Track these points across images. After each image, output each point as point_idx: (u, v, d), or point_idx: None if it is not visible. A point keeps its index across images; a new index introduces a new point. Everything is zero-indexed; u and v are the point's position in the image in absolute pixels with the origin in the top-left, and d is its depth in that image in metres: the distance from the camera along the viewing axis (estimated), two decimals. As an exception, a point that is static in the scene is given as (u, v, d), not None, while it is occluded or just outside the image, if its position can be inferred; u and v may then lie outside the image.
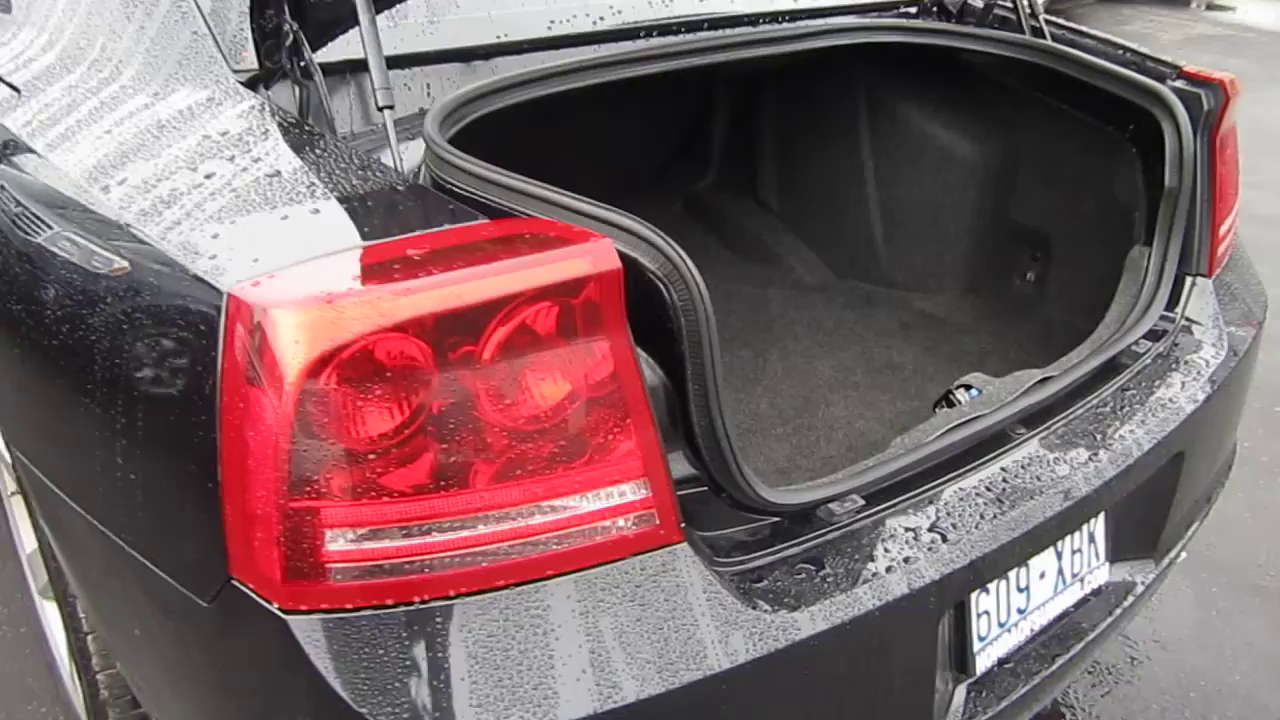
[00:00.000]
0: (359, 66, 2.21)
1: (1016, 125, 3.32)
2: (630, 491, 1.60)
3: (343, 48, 2.13)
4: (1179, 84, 2.72)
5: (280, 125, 1.89)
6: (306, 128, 1.93)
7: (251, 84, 2.01)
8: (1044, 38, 2.93)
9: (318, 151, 1.82)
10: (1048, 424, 2.22)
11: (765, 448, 2.79)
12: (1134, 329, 2.49)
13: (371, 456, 1.44)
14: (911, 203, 3.49)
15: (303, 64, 1.99)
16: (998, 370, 3.17)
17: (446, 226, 1.60)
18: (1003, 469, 2.09)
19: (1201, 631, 3.32)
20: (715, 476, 1.76)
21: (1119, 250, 2.77)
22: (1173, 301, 2.62)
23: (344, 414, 1.42)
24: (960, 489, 2.03)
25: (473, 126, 2.07)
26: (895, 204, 3.52)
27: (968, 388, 2.38)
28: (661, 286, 1.64)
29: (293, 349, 1.39)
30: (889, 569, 1.81)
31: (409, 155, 1.92)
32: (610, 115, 3.81)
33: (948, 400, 2.38)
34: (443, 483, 1.50)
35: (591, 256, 1.49)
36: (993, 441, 2.15)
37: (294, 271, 1.50)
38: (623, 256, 1.61)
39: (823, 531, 1.86)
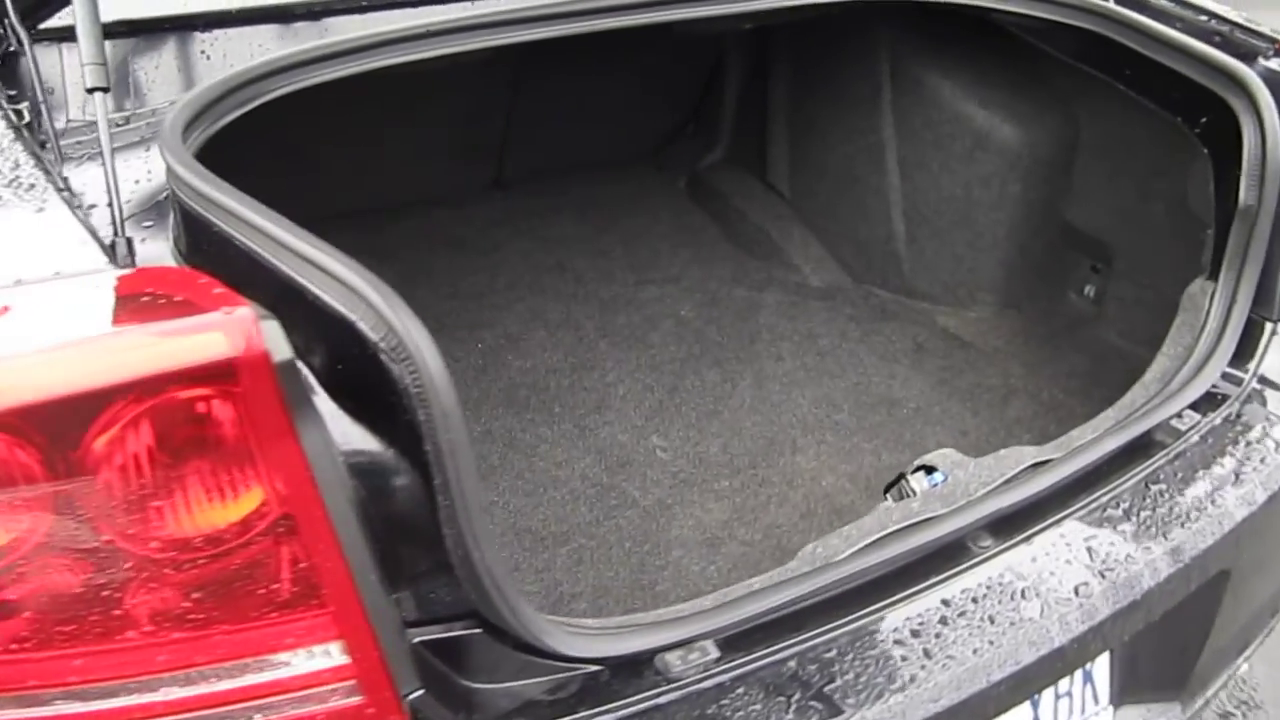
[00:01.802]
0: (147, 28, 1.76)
1: (1073, 106, 2.64)
2: (318, 657, 1.12)
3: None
4: (1275, 63, 2.03)
5: None
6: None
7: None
8: (1102, -4, 2.26)
9: None
10: (1028, 532, 1.63)
11: (697, 507, 2.26)
12: (1179, 395, 1.86)
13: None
14: (940, 196, 2.85)
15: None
16: (1021, 416, 2.57)
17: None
18: (943, 602, 1.53)
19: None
20: (484, 614, 1.26)
21: (1195, 271, 2.13)
22: (1241, 356, 1.97)
23: None
24: (880, 630, 1.48)
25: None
26: (920, 196, 2.89)
27: (929, 470, 1.80)
28: (387, 363, 1.14)
29: None
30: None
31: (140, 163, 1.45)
32: (595, 77, 3.28)
33: (900, 488, 1.81)
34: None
35: (225, 333, 1.00)
36: (944, 556, 1.59)
37: None
38: (337, 319, 1.13)
39: (654, 693, 1.34)
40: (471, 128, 3.23)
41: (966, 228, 2.84)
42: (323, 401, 1.19)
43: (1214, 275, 2.03)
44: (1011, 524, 1.64)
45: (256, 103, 1.55)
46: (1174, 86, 2.10)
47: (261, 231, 1.22)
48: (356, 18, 2.02)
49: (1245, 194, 1.92)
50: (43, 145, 1.49)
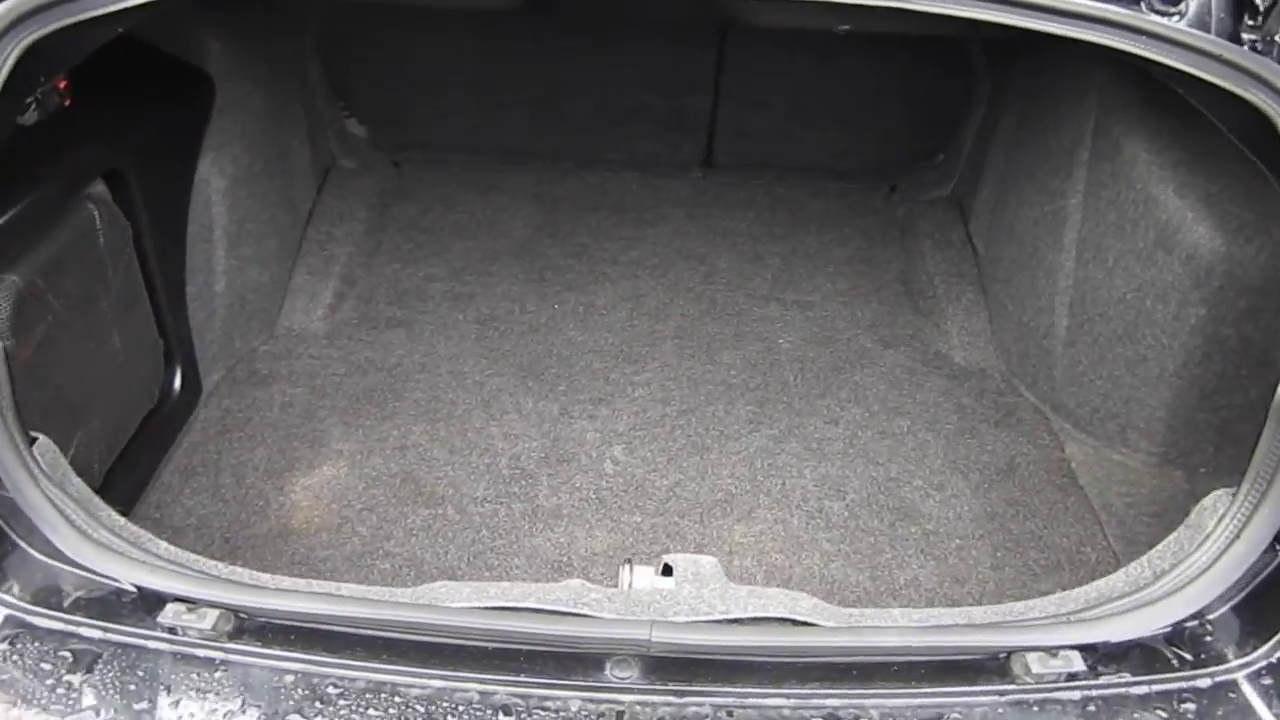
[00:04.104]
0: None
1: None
2: None
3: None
4: None
5: None
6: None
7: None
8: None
9: None
10: (691, 689, 1.27)
11: (585, 530, 2.04)
12: (1086, 625, 1.32)
13: None
14: (1110, 296, 2.21)
15: None
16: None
17: None
18: (503, 709, 1.25)
19: None
20: None
21: None
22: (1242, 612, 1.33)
23: None
24: (396, 692, 1.26)
25: None
26: (1090, 291, 2.26)
27: (668, 570, 1.45)
28: None
29: None
30: None
31: None
32: (819, 75, 2.99)
33: (627, 571, 1.48)
34: None
35: None
36: (565, 663, 1.30)
37: None
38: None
39: (141, 630, 1.29)
40: (674, 97, 3.11)
41: (1131, 344, 2.17)
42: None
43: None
44: (682, 672, 1.28)
45: None
46: None
47: None
48: None
49: None
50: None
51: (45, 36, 1.41)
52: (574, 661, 1.31)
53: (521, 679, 1.28)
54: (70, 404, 1.76)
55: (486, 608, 1.34)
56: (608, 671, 1.30)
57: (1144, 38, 1.60)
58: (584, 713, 1.26)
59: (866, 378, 2.51)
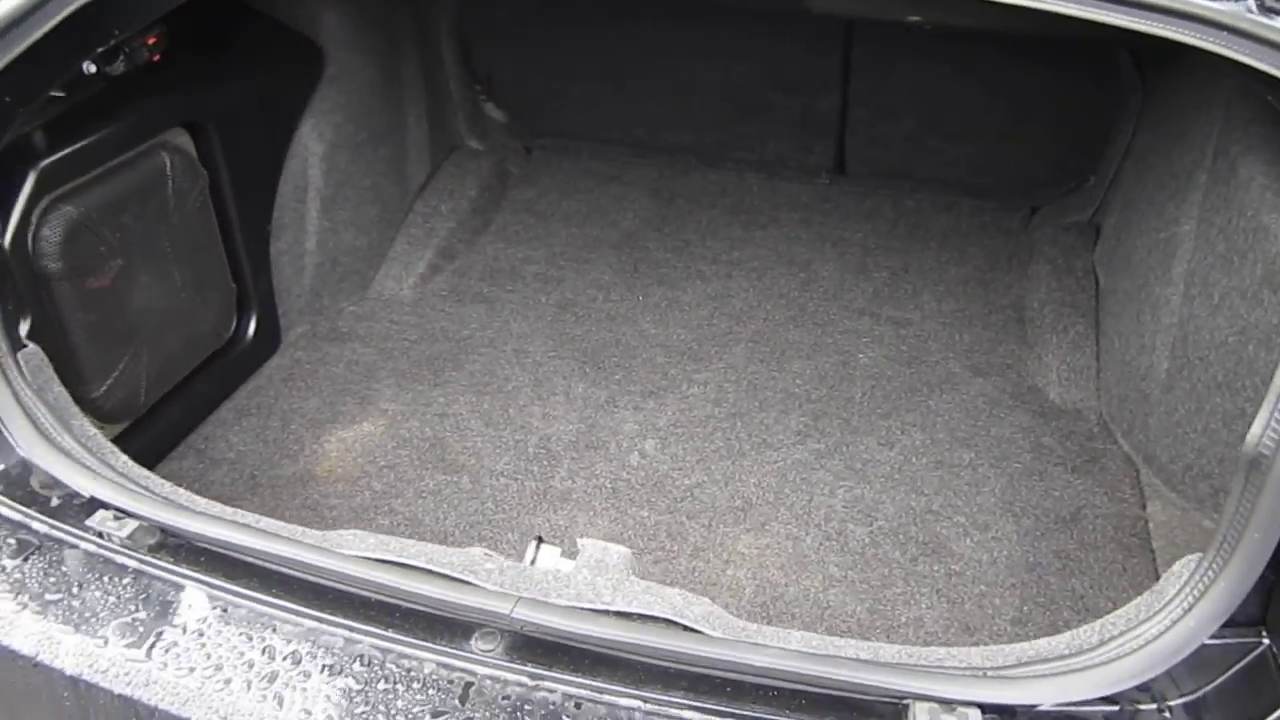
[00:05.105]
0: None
1: None
2: None
3: None
4: None
5: None
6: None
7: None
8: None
9: None
10: (549, 673, 1.22)
11: (587, 518, 1.99)
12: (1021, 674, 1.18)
13: None
14: (1213, 339, 1.93)
15: None
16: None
17: None
18: (363, 659, 1.24)
19: None
20: None
21: None
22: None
23: None
24: (274, 628, 1.28)
25: None
26: (1194, 330, 1.98)
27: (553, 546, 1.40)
28: None
29: None
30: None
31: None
32: (953, 82, 2.81)
33: (542, 548, 1.43)
34: None
35: None
36: (436, 626, 1.28)
37: None
38: None
39: (71, 526, 1.39)
40: (802, 96, 3.00)
41: (1230, 395, 1.89)
42: None
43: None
44: (546, 655, 1.23)
45: None
46: None
47: None
48: None
49: None
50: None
51: None
52: (444, 626, 1.29)
53: (388, 633, 1.27)
54: (117, 329, 1.92)
55: (375, 559, 1.34)
56: (472, 641, 1.27)
57: (1247, 40, 1.40)
58: (435, 676, 1.24)
59: (942, 404, 2.32)
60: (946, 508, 2.04)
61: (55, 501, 1.46)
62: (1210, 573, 1.13)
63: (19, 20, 1.56)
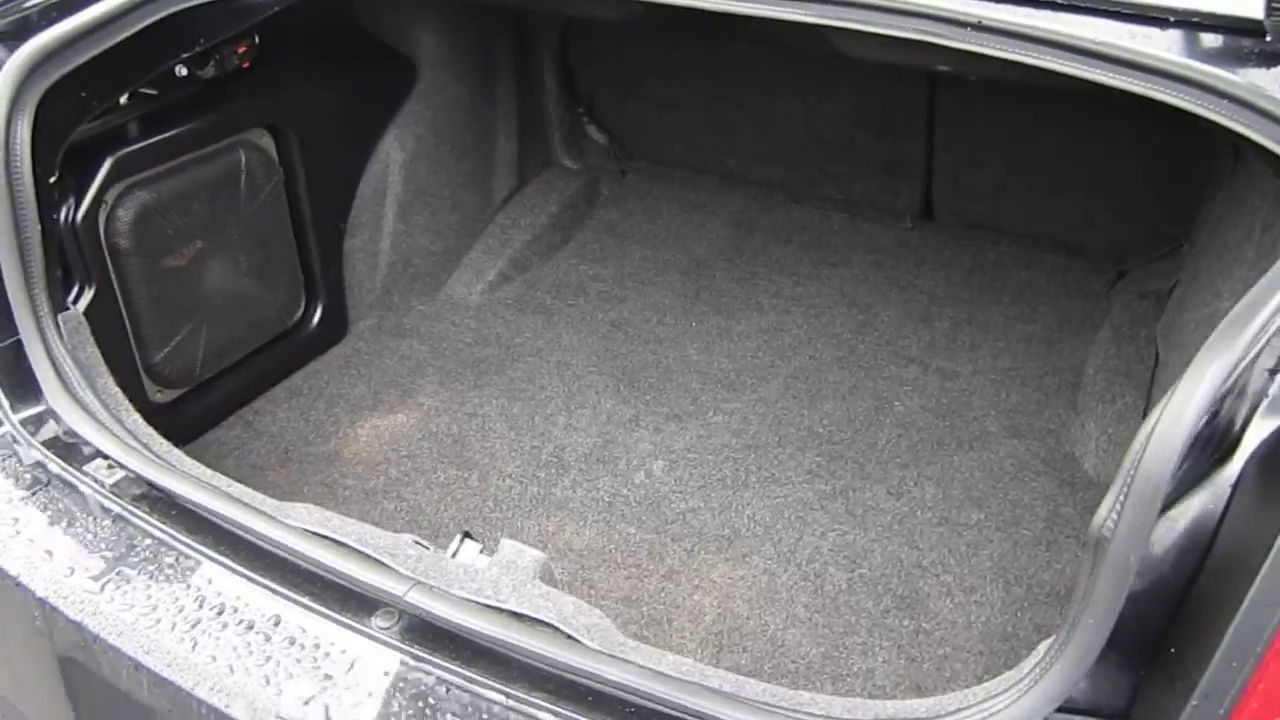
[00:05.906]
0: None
1: None
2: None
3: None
4: None
5: None
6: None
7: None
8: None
9: None
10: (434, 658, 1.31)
11: (577, 531, 2.06)
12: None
13: None
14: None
15: None
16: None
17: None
18: (270, 621, 1.36)
19: None
20: None
21: None
22: None
23: None
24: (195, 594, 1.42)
25: None
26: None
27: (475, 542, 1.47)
28: None
29: None
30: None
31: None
32: (1044, 130, 2.74)
33: (469, 539, 1.52)
34: None
35: None
36: (342, 597, 1.39)
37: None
38: None
39: (72, 468, 1.58)
40: (887, 137, 2.98)
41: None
42: None
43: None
44: (434, 640, 1.32)
45: None
46: None
47: None
48: None
49: None
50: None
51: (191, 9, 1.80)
52: (355, 600, 1.39)
53: (304, 600, 1.39)
54: (178, 304, 2.14)
55: (313, 532, 1.46)
56: (373, 618, 1.37)
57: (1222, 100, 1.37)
58: (325, 641, 1.34)
59: (967, 460, 2.27)
60: (936, 565, 2.00)
61: (71, 447, 1.67)
62: (1054, 654, 1.09)
63: (104, 24, 1.79)
